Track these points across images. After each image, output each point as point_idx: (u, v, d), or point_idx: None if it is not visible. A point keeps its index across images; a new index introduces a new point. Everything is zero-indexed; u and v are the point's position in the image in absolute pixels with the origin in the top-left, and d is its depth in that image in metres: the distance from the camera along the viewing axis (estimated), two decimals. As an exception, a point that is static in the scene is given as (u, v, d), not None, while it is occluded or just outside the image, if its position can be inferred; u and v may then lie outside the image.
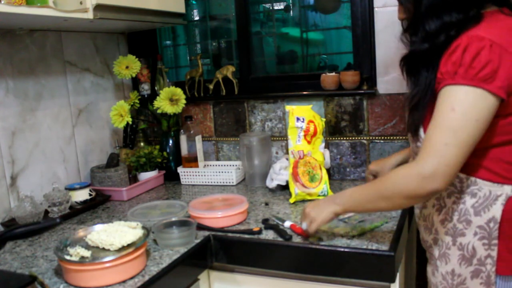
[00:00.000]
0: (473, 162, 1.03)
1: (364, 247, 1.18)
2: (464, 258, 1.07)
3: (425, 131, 1.05)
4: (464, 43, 0.95)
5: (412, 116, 1.10)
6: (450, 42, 0.99)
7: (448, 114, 0.96)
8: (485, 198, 1.03)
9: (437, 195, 1.08)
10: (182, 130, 1.96)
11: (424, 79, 1.04)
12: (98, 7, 1.48)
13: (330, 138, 1.89)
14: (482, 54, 0.93)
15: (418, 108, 1.06)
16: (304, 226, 1.23)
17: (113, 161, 1.84)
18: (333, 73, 1.81)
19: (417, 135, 1.09)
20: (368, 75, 1.79)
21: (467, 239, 1.06)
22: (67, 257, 1.08)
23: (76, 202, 1.67)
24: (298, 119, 1.64)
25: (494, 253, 1.03)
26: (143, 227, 1.21)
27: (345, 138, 1.86)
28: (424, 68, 1.04)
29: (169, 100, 1.91)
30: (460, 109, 0.94)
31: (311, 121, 1.64)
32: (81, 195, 1.69)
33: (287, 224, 1.34)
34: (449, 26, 1.00)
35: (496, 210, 1.02)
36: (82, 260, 1.07)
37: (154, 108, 1.94)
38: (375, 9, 1.73)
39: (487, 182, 1.03)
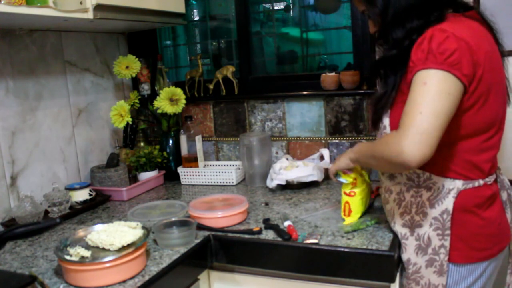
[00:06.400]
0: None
1: (364, 247, 1.18)
2: (420, 248, 1.16)
3: (391, 125, 1.14)
4: (429, 34, 1.03)
5: (376, 113, 1.19)
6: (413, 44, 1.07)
7: (420, 88, 1.00)
8: (439, 192, 1.13)
9: (412, 168, 1.04)
10: (182, 130, 1.96)
11: (392, 81, 1.14)
12: (98, 7, 1.48)
13: (330, 138, 1.89)
14: (448, 42, 1.00)
15: (383, 107, 1.16)
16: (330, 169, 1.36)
17: (113, 161, 1.84)
18: (333, 73, 1.81)
19: (378, 128, 1.20)
20: (368, 75, 1.79)
21: (424, 230, 1.15)
22: (67, 257, 1.08)
23: (76, 202, 1.67)
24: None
25: (447, 243, 1.12)
26: (143, 227, 1.21)
27: (345, 138, 1.86)
28: (392, 72, 1.14)
29: (169, 100, 1.91)
30: (432, 82, 1.00)
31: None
32: (81, 195, 1.69)
33: (286, 224, 1.34)
34: (412, 32, 1.09)
35: (449, 203, 1.12)
36: (82, 260, 1.07)
37: (154, 108, 1.94)
38: (375, 9, 1.73)
39: (440, 177, 1.13)
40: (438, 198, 1.13)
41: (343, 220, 1.36)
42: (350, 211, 1.35)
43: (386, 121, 1.16)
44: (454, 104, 1.01)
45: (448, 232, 1.12)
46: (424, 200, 1.15)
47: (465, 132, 1.09)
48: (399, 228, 1.20)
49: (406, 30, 1.09)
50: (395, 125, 1.12)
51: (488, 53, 1.07)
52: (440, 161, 1.11)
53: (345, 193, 1.35)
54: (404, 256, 1.18)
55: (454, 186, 1.12)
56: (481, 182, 1.13)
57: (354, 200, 1.34)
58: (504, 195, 1.21)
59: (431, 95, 0.99)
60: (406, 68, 1.10)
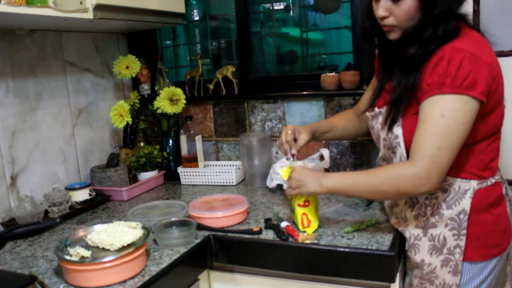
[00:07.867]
0: None
1: (364, 247, 1.18)
2: (435, 248, 1.16)
3: (405, 137, 1.13)
4: (447, 55, 1.04)
5: (391, 111, 1.17)
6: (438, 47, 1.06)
7: (438, 120, 1.03)
8: (455, 193, 1.14)
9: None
10: (182, 130, 1.96)
11: (412, 79, 1.11)
12: (98, 7, 1.48)
13: (330, 138, 1.89)
14: (464, 64, 1.02)
15: (399, 105, 1.14)
16: (284, 186, 1.30)
17: (113, 161, 1.84)
18: (333, 73, 1.81)
19: (392, 130, 1.17)
20: (368, 75, 1.79)
21: (439, 230, 1.16)
22: (67, 257, 1.08)
23: (76, 202, 1.67)
24: None
25: (463, 243, 1.14)
26: (143, 227, 1.21)
27: (345, 138, 1.86)
28: (416, 69, 1.11)
29: (169, 100, 1.91)
30: (449, 114, 1.03)
31: None
32: (81, 195, 1.69)
33: (283, 224, 1.34)
34: (449, 33, 1.07)
35: (466, 203, 1.13)
36: (82, 260, 1.07)
37: (154, 108, 1.94)
38: (375, 9, 1.72)
39: (456, 179, 1.14)
40: (455, 199, 1.14)
41: (304, 232, 1.29)
42: (309, 222, 1.31)
43: (398, 130, 1.15)
44: (468, 131, 1.05)
45: (464, 232, 1.13)
46: (440, 202, 1.16)
47: (481, 136, 1.12)
48: (412, 230, 1.20)
49: (447, 29, 1.07)
50: (408, 138, 1.12)
51: (498, 63, 1.09)
52: (455, 164, 1.10)
53: (299, 205, 1.31)
54: (418, 257, 1.18)
55: (470, 186, 1.13)
56: (493, 180, 1.16)
57: (310, 210, 1.31)
58: (504, 190, 1.23)
59: (448, 130, 1.03)
60: (418, 72, 1.09)
